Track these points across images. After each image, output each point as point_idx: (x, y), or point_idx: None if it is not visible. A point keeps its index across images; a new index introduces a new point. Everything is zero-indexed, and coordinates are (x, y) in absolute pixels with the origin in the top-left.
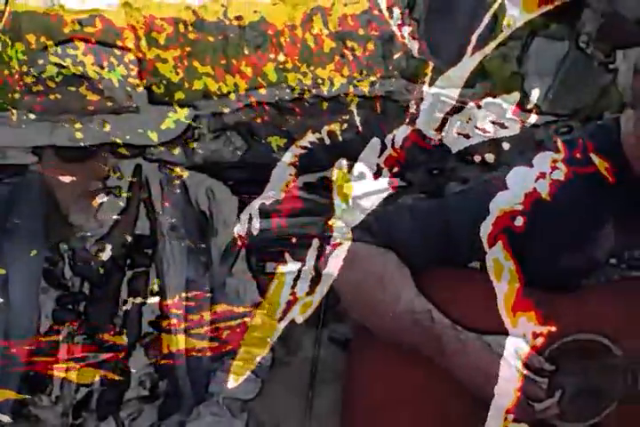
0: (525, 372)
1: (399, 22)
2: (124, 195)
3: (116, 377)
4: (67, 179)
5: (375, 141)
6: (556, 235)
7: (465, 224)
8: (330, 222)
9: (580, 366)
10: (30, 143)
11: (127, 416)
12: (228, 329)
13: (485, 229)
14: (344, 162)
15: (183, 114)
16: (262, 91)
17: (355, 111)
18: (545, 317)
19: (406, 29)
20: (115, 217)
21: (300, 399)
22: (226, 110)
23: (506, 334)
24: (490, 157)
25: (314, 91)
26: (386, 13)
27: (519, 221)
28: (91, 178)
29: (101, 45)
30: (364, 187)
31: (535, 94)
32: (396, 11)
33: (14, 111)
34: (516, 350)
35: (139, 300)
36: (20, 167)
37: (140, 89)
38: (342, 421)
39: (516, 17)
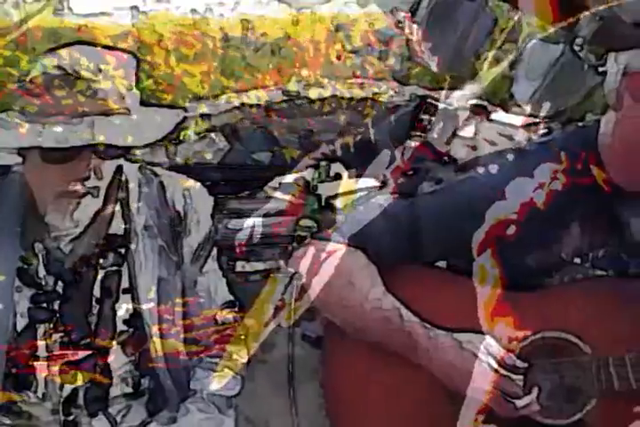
0: (499, 369)
1: (419, 38)
2: (102, 195)
3: (98, 376)
4: (49, 180)
5: (385, 153)
6: (526, 235)
7: (434, 224)
8: (301, 222)
9: (553, 363)
10: (18, 144)
11: (117, 413)
12: (217, 333)
13: (477, 236)
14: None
15: (202, 126)
16: (252, 93)
17: (370, 124)
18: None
19: (427, 45)
20: (90, 217)
21: (282, 395)
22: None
23: (472, 331)
24: (493, 168)
25: (302, 93)
26: (407, 30)
27: (512, 230)
28: (71, 179)
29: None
30: (337, 187)
31: (546, 108)
32: (416, 27)
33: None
34: (485, 347)
35: (132, 305)
36: (4, 168)
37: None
38: (328, 414)
39: (515, 20)
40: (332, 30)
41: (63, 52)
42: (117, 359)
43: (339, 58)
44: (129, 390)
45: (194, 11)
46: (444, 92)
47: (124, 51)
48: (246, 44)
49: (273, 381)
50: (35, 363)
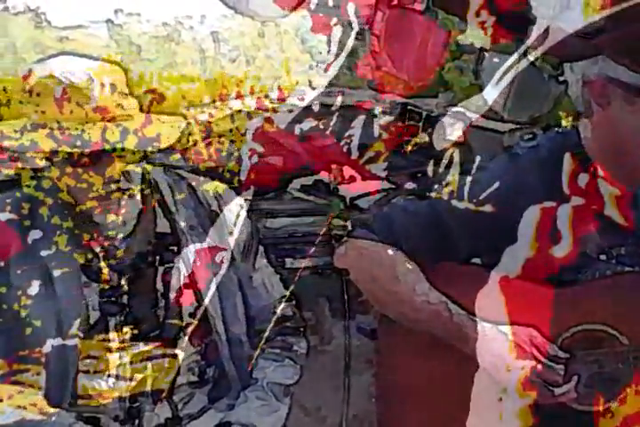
0: (542, 359)
1: (382, 49)
2: (138, 196)
3: (167, 365)
4: (82, 182)
5: None
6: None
7: (457, 224)
8: (334, 222)
9: (592, 353)
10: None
11: (180, 400)
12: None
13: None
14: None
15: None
16: (240, 100)
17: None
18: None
19: (391, 56)
20: (135, 216)
21: (337, 384)
22: None
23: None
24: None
25: (289, 101)
26: (369, 41)
27: None
28: (102, 181)
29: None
30: (357, 188)
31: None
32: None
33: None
34: (529, 338)
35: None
36: (36, 171)
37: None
38: (377, 403)
39: (466, 33)
40: (298, 42)
41: (53, 62)
42: (185, 350)
43: (311, 68)
44: (194, 378)
45: (165, 24)
46: (421, 100)
47: (108, 61)
48: (221, 55)
49: (330, 370)
50: (107, 354)
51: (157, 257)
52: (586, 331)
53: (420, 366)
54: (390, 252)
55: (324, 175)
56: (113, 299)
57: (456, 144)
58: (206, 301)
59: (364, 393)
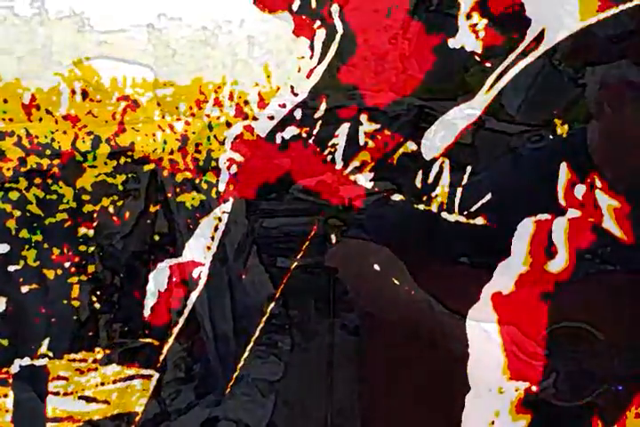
0: (521, 356)
1: (412, 53)
2: (142, 197)
3: (152, 371)
4: (90, 181)
5: None
6: None
7: (450, 223)
8: (330, 222)
9: (570, 350)
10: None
11: (168, 396)
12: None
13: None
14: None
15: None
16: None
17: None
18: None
19: (419, 59)
20: (135, 217)
21: (321, 380)
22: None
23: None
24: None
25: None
26: (400, 45)
27: None
28: (110, 181)
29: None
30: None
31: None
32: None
33: None
34: (510, 336)
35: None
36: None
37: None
38: (359, 398)
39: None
40: (329, 46)
41: (85, 65)
42: (172, 347)
43: (338, 70)
44: (181, 375)
45: (205, 28)
46: (439, 103)
47: (141, 65)
48: (253, 59)
49: (313, 367)
50: (78, 375)
51: (152, 256)
52: (564, 328)
53: (401, 363)
54: (379, 251)
55: (327, 177)
56: (104, 297)
57: (464, 145)
58: (195, 299)
59: (347, 389)
